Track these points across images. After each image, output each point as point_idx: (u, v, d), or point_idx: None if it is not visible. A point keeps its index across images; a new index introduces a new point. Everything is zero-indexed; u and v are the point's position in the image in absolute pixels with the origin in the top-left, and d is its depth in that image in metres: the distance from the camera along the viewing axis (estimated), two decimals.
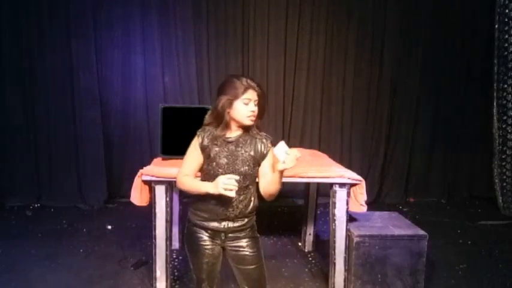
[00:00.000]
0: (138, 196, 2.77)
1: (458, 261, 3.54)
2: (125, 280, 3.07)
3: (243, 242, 1.87)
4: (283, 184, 1.88)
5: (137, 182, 2.74)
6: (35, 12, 4.65)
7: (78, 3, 4.65)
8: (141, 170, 2.73)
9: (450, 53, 5.29)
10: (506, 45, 4.80)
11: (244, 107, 1.76)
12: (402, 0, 5.13)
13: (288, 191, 5.05)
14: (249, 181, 1.84)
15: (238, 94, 1.75)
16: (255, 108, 1.78)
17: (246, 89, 1.75)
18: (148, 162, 2.93)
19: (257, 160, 1.84)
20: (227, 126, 1.81)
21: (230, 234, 1.86)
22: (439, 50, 5.27)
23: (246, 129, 1.84)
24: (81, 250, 3.59)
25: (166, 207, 2.73)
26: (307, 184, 3.58)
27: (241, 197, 1.82)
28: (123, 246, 3.68)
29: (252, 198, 1.87)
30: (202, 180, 1.84)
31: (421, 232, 2.87)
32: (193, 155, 1.87)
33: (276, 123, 5.17)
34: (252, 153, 1.83)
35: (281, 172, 1.70)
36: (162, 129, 2.96)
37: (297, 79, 5.16)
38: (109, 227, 4.20)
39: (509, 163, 4.96)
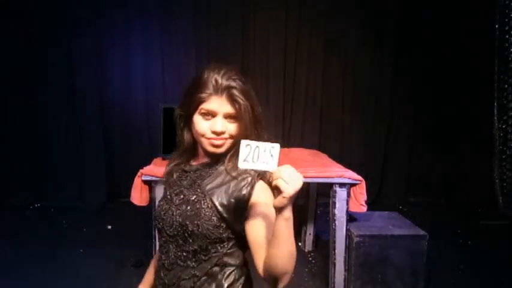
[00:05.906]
0: (138, 196, 2.76)
1: (458, 261, 3.54)
2: (125, 280, 3.07)
3: None
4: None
5: (137, 181, 2.74)
6: (35, 11, 4.64)
7: (78, 2, 4.65)
8: (141, 170, 2.73)
9: (450, 53, 5.29)
10: (506, 45, 4.80)
11: (202, 124, 1.04)
12: (402, 0, 5.14)
13: None
14: (199, 243, 1.07)
15: (194, 103, 1.03)
16: (223, 128, 1.03)
17: (209, 95, 1.02)
18: (149, 162, 2.93)
19: (230, 209, 1.06)
20: (192, 152, 1.15)
21: None
22: (439, 50, 5.27)
23: (220, 158, 1.10)
24: (81, 250, 3.59)
25: None
26: (307, 184, 3.57)
27: (196, 272, 1.09)
28: (123, 246, 3.68)
29: (225, 273, 1.11)
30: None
31: (421, 232, 2.87)
32: None
33: (275, 123, 5.16)
34: (219, 195, 1.06)
35: (283, 209, 0.95)
36: (162, 129, 2.96)
37: (297, 78, 5.16)
38: (109, 227, 4.20)
39: (509, 163, 4.96)
